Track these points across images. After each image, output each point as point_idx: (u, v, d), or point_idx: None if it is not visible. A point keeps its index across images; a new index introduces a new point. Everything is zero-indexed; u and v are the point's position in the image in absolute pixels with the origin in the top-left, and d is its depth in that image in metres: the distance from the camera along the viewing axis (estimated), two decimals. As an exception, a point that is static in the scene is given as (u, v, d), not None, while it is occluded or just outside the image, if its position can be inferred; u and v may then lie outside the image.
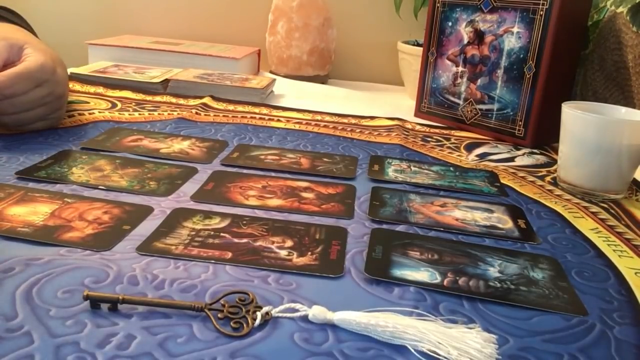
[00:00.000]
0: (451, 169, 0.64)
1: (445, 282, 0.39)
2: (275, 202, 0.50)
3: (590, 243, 0.48)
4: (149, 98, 0.86)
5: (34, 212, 0.43)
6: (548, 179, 0.64)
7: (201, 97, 0.88)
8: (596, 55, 0.84)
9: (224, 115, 0.80)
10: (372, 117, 0.85)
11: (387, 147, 0.71)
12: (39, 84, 0.59)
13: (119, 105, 0.80)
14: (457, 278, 0.39)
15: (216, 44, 1.18)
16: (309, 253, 0.41)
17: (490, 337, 0.32)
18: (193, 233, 0.43)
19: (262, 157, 0.62)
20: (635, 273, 0.43)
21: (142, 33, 1.25)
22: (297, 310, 0.33)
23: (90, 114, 0.74)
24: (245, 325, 0.32)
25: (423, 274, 0.39)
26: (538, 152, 0.74)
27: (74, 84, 0.89)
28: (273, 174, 0.58)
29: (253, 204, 0.49)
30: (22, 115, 0.61)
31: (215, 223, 0.45)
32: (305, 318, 0.33)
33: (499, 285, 0.39)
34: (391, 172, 0.61)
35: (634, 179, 0.61)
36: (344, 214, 0.49)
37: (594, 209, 0.55)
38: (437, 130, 0.82)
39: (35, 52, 0.60)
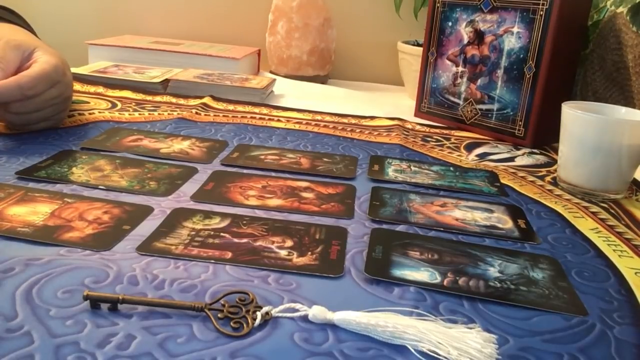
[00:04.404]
0: (451, 169, 0.64)
1: (445, 282, 0.39)
2: (275, 202, 0.50)
3: (590, 243, 0.48)
4: (149, 98, 0.86)
5: (34, 212, 0.43)
6: (548, 179, 0.64)
7: (201, 97, 0.88)
8: (596, 55, 0.84)
9: (224, 115, 0.80)
10: (372, 117, 0.85)
11: (387, 147, 0.71)
12: (53, 85, 0.60)
13: (119, 105, 0.80)
14: (457, 278, 0.39)
15: (216, 44, 1.18)
16: (309, 253, 0.41)
17: (490, 337, 0.32)
18: (193, 233, 0.43)
19: (262, 157, 0.62)
20: (635, 273, 0.43)
21: (142, 33, 1.25)
22: (297, 310, 0.33)
23: (90, 114, 0.74)
24: (245, 325, 0.32)
25: (423, 274, 0.39)
26: (538, 152, 0.74)
27: (74, 84, 0.89)
28: (273, 174, 0.58)
29: (253, 204, 0.49)
30: (31, 115, 0.61)
31: (215, 223, 0.45)
32: (305, 318, 0.33)
33: (499, 285, 0.39)
34: (391, 172, 0.61)
35: (634, 179, 0.61)
36: (344, 214, 0.49)
37: (594, 209, 0.55)
38: (437, 130, 0.82)
39: (46, 54, 0.61)
